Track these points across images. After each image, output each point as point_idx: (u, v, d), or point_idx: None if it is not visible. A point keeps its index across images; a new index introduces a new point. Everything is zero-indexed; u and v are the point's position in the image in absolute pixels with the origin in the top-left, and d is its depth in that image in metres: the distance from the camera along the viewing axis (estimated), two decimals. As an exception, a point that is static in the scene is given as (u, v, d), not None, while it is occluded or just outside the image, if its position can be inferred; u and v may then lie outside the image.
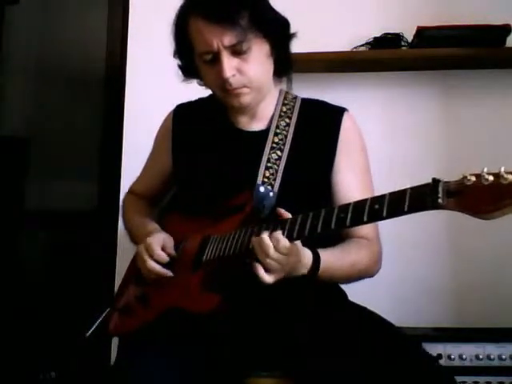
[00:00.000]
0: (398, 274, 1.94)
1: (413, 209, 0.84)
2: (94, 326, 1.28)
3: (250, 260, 1.02)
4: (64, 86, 2.45)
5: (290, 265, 1.02)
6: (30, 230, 2.38)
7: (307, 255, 1.06)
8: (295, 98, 1.32)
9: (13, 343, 2.16)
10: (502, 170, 0.75)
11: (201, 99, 1.37)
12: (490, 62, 1.97)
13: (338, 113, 1.27)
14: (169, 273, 1.15)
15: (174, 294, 1.13)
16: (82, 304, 2.13)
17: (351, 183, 1.23)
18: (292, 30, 1.23)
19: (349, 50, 2.01)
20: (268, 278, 1.00)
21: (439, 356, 1.56)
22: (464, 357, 1.57)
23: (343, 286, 1.28)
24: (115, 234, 2.08)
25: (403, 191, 0.86)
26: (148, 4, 2.20)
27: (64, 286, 2.25)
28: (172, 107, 1.43)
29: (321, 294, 1.16)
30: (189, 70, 1.28)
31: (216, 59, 1.14)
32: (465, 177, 0.79)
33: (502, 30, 1.85)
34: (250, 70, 1.15)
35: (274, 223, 1.02)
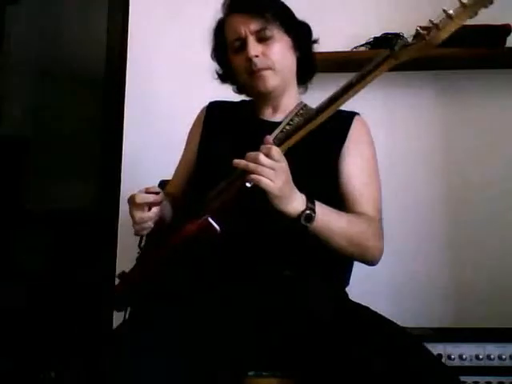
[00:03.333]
0: (398, 274, 1.94)
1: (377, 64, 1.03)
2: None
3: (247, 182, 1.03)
4: (64, 85, 2.46)
5: (284, 171, 1.04)
6: (30, 229, 2.38)
7: (299, 193, 1.09)
8: (311, 108, 1.34)
9: (13, 343, 2.16)
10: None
11: (232, 101, 1.45)
12: (490, 62, 1.97)
13: (349, 115, 1.35)
14: (150, 212, 1.15)
15: (170, 237, 1.15)
16: (82, 304, 2.14)
17: (355, 170, 1.27)
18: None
19: (349, 49, 2.01)
20: (265, 181, 1.02)
21: (439, 356, 1.56)
22: (464, 357, 1.57)
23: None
24: (115, 233, 2.09)
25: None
26: (148, 4, 2.20)
27: (64, 286, 2.25)
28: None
29: (323, 292, 1.17)
30: (224, 73, 1.41)
31: (244, 45, 1.28)
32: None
33: (502, 30, 1.85)
34: (274, 53, 1.28)
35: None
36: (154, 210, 1.16)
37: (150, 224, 1.17)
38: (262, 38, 1.28)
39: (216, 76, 1.44)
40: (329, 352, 1.00)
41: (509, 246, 1.94)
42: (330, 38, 2.00)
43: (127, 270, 1.25)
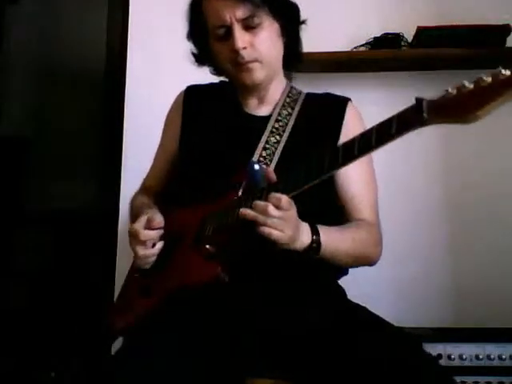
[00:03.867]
0: (397, 274, 1.94)
1: (400, 130, 0.87)
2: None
3: (254, 229, 0.99)
4: (64, 85, 2.46)
5: (293, 219, 1.00)
6: (30, 229, 2.38)
7: (305, 226, 1.05)
8: (300, 92, 1.33)
9: (13, 343, 2.16)
10: (482, 75, 0.79)
11: (211, 83, 1.36)
12: (490, 62, 1.96)
13: (341, 103, 1.28)
14: (154, 249, 1.13)
15: (174, 274, 1.12)
16: (82, 304, 2.14)
17: (353, 173, 1.21)
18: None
19: (349, 50, 2.01)
20: (276, 233, 0.97)
21: (439, 356, 1.56)
22: (464, 357, 1.57)
23: (342, 284, 1.28)
24: (115, 233, 2.09)
25: (390, 118, 0.89)
26: (148, 4, 2.20)
27: (64, 286, 2.25)
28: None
29: (320, 292, 1.16)
30: (202, 53, 1.30)
31: (228, 34, 1.16)
32: (446, 90, 0.81)
33: (502, 30, 1.85)
34: (261, 44, 1.18)
35: (268, 187, 1.02)
36: (158, 245, 1.14)
37: (154, 259, 1.15)
38: (250, 26, 1.16)
39: (192, 58, 1.33)
40: (328, 354, 1.00)
41: (509, 247, 1.93)
42: (330, 38, 2.01)
43: (123, 297, 1.24)
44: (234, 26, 1.15)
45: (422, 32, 1.87)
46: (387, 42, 1.97)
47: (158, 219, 1.15)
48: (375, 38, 1.99)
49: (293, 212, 1.00)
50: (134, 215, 1.28)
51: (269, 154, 1.18)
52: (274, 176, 1.03)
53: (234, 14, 1.15)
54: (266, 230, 0.97)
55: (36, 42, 2.50)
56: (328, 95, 1.32)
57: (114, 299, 1.38)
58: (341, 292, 1.26)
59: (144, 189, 1.44)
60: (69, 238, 2.36)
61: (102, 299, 1.99)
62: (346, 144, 0.94)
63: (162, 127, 1.43)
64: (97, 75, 2.33)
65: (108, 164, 2.21)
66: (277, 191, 0.98)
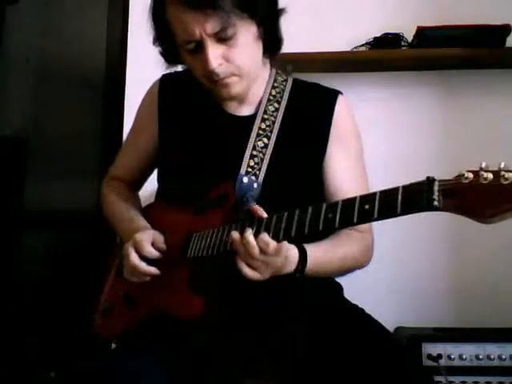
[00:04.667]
0: (397, 274, 1.95)
1: (406, 211, 0.77)
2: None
3: (233, 256, 0.97)
4: (64, 85, 2.45)
5: (276, 264, 0.95)
6: (30, 230, 2.38)
7: (293, 253, 0.99)
8: (286, 79, 1.24)
9: (13, 343, 2.15)
10: (502, 165, 0.70)
11: (188, 70, 1.19)
12: (490, 62, 1.97)
13: (331, 96, 1.20)
14: (154, 270, 1.08)
15: (160, 295, 1.09)
16: (82, 304, 2.13)
17: (344, 172, 1.17)
18: (280, 6, 1.14)
19: (349, 50, 2.01)
20: (252, 274, 0.94)
21: (439, 356, 1.56)
22: (464, 357, 1.57)
23: (342, 283, 1.27)
24: (115, 233, 2.08)
25: (394, 190, 0.79)
26: (148, 4, 2.20)
27: (64, 286, 2.24)
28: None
29: (314, 293, 1.14)
30: (171, 56, 1.19)
31: (199, 48, 1.05)
32: (461, 174, 0.73)
33: (502, 30, 1.85)
34: (238, 57, 1.06)
35: (258, 222, 0.95)
36: (153, 271, 1.08)
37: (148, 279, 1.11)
38: (223, 39, 1.04)
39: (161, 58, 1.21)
40: (324, 354, 1.00)
41: (509, 246, 1.93)
42: (330, 38, 2.01)
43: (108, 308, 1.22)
44: (206, 42, 1.03)
45: (421, 32, 1.87)
46: (387, 41, 1.97)
47: (161, 240, 1.11)
48: (375, 38, 1.99)
49: (278, 259, 0.94)
50: (120, 219, 1.27)
51: (257, 163, 1.12)
52: (263, 213, 0.97)
53: (204, 28, 1.01)
54: (243, 267, 0.94)
55: (36, 41, 2.50)
56: (317, 87, 1.24)
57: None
58: (335, 290, 1.24)
59: (115, 179, 1.40)
60: (69, 237, 2.35)
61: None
62: (345, 204, 0.86)
63: (135, 116, 1.37)
64: (97, 75, 2.33)
65: (108, 164, 2.21)
66: (267, 229, 0.93)
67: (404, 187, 0.79)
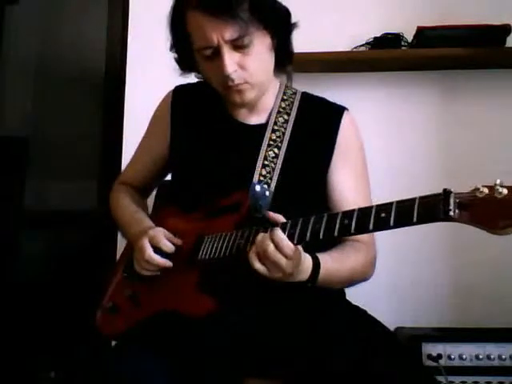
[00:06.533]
0: (397, 274, 1.94)
1: (422, 220, 0.81)
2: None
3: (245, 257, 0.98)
4: (64, 85, 2.45)
5: (287, 269, 0.96)
6: (30, 229, 2.38)
7: (307, 262, 1.02)
8: (295, 93, 1.30)
9: (13, 343, 2.16)
10: None
11: (200, 83, 1.29)
12: (490, 62, 1.97)
13: (337, 111, 1.26)
14: (168, 263, 1.11)
15: (166, 294, 1.11)
16: (82, 304, 2.13)
17: (346, 184, 1.21)
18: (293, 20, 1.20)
19: (349, 50, 2.01)
20: (262, 269, 0.96)
21: (439, 356, 1.56)
22: (464, 357, 1.57)
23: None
24: (115, 233, 2.08)
25: (412, 200, 0.83)
26: (148, 4, 2.20)
27: (64, 285, 2.25)
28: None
29: (317, 297, 1.14)
30: (187, 63, 1.25)
31: (216, 54, 1.10)
32: (477, 189, 0.78)
33: (502, 30, 1.85)
34: (252, 64, 1.12)
35: (273, 227, 0.98)
36: (167, 264, 1.11)
37: (154, 273, 1.14)
38: (239, 46, 1.09)
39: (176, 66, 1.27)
40: (323, 354, 1.00)
41: (509, 246, 1.93)
42: (330, 38, 2.01)
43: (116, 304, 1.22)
44: (223, 49, 1.08)
45: (421, 32, 1.87)
46: (387, 41, 1.98)
47: (176, 239, 1.15)
48: (375, 38, 1.99)
49: (289, 262, 0.95)
50: (129, 221, 1.28)
51: (269, 172, 1.16)
52: (280, 218, 1.00)
53: (222, 35, 1.07)
54: (255, 262, 0.96)
55: (36, 42, 2.50)
56: (324, 102, 1.29)
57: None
58: (338, 292, 1.24)
59: (126, 184, 1.43)
60: (69, 237, 2.36)
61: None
62: (362, 212, 0.89)
63: (149, 124, 1.40)
64: (97, 75, 2.33)
65: (108, 164, 2.21)
66: (283, 231, 0.95)
67: (421, 198, 0.83)
